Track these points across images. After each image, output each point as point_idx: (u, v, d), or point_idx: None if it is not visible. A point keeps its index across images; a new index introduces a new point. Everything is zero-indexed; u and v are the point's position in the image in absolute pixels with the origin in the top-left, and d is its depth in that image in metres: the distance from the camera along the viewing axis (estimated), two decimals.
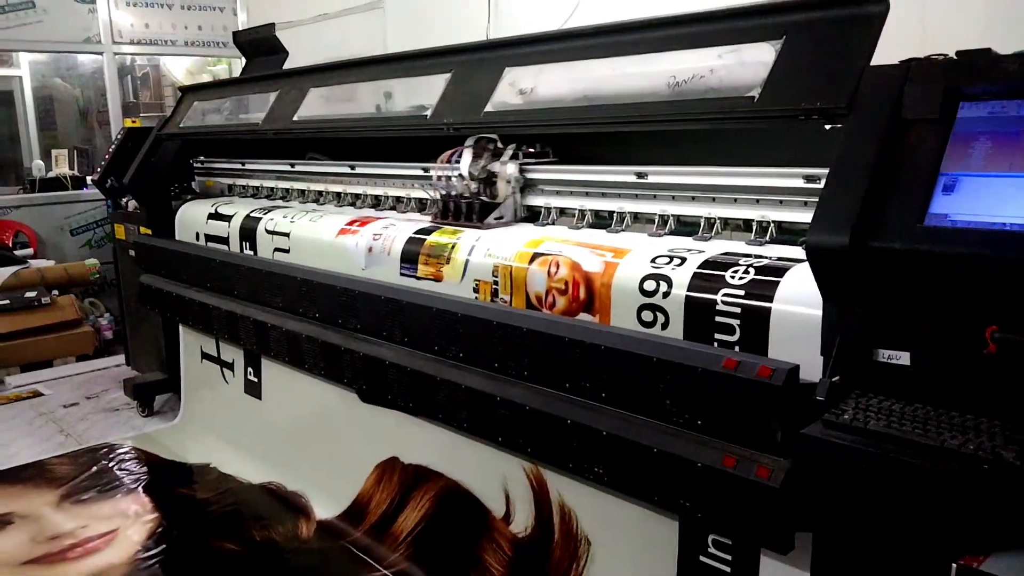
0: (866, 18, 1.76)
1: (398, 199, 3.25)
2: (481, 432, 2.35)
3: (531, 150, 2.77)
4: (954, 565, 1.38)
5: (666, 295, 1.93)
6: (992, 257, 1.38)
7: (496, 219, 2.66)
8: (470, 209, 2.69)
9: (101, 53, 6.42)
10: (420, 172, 3.09)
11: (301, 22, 5.99)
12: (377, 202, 3.35)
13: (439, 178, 2.80)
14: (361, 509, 2.99)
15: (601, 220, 2.51)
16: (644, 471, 1.87)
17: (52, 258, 5.98)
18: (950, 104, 1.53)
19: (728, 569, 1.92)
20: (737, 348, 1.79)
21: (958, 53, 1.60)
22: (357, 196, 3.44)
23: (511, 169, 2.68)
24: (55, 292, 5.58)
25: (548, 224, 2.62)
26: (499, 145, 2.77)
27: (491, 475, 2.53)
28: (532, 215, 2.72)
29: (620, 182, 2.41)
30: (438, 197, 2.83)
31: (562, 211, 2.63)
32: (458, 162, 2.72)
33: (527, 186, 2.71)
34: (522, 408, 2.16)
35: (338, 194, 3.54)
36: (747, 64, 1.96)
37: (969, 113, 1.52)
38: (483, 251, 2.43)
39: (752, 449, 1.70)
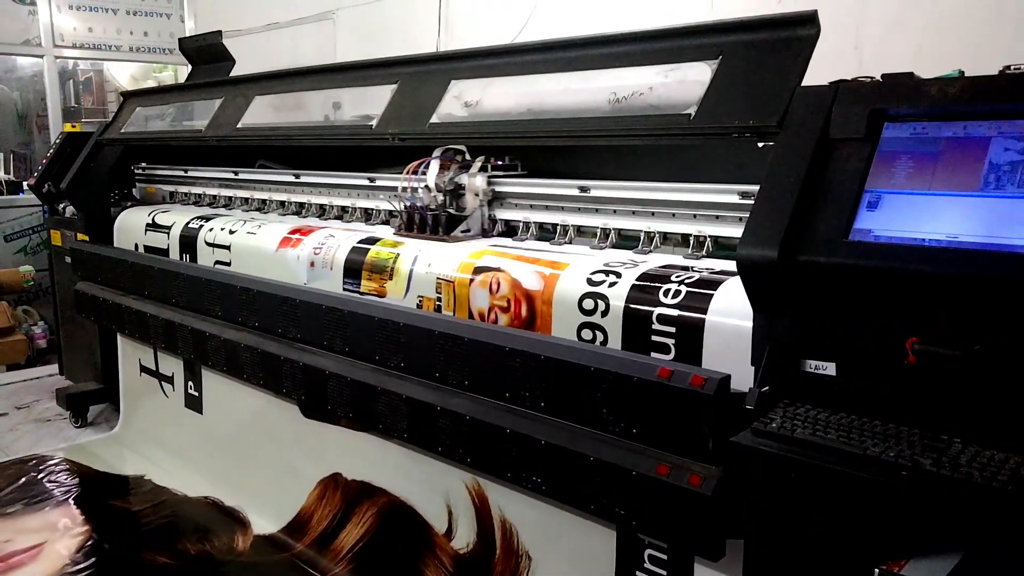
0: (798, 40, 1.82)
1: (344, 209, 3.23)
2: (421, 442, 2.35)
3: (499, 163, 2.74)
4: (876, 570, 1.42)
5: (604, 313, 1.96)
6: (912, 271, 1.44)
7: (463, 232, 2.61)
8: (436, 221, 2.64)
9: (41, 56, 6.26)
10: (366, 182, 3.09)
11: (250, 30, 5.94)
12: (322, 211, 3.33)
13: (404, 189, 2.73)
14: (302, 524, 2.95)
15: (545, 233, 2.54)
16: (581, 480, 1.89)
17: None
18: (875, 124, 1.60)
19: (664, 572, 1.94)
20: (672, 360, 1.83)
21: (883, 76, 1.67)
22: (302, 205, 3.42)
23: (480, 182, 2.64)
24: None
25: (497, 236, 2.64)
26: (467, 157, 2.73)
27: (433, 491, 2.53)
28: (510, 230, 2.67)
29: (564, 195, 2.45)
30: (402, 208, 2.76)
31: (507, 223, 2.65)
32: (424, 173, 2.68)
33: (495, 199, 2.68)
34: (463, 418, 2.16)
35: (282, 202, 3.52)
36: (685, 82, 2.01)
37: (893, 133, 1.59)
38: (425, 265, 2.43)
39: (685, 457, 1.73)
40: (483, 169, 2.67)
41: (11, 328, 5.39)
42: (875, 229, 1.52)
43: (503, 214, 2.67)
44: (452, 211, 2.65)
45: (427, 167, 2.68)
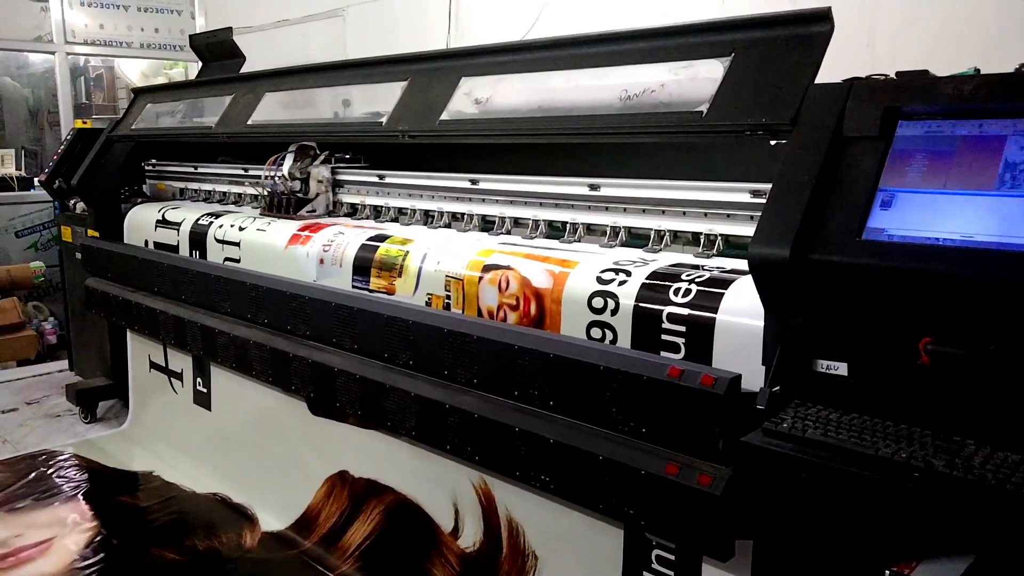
0: (811, 38, 1.81)
1: (353, 205, 3.24)
2: (430, 440, 2.34)
3: (346, 156, 3.31)
4: (887, 572, 1.40)
5: (614, 312, 1.95)
6: (926, 271, 1.43)
7: (308, 211, 3.21)
8: (288, 203, 3.21)
9: (53, 52, 6.28)
10: (375, 179, 3.09)
11: (261, 27, 5.95)
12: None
13: (266, 177, 3.28)
14: (310, 521, 2.95)
15: (555, 231, 2.53)
16: (590, 479, 1.88)
17: None
18: (889, 122, 1.58)
19: (672, 572, 1.93)
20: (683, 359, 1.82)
21: (898, 74, 1.66)
22: None
23: (324, 171, 3.21)
24: None
25: (502, 233, 2.63)
26: (316, 151, 3.26)
27: (440, 490, 2.52)
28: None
29: (573, 194, 2.44)
30: (265, 193, 3.35)
31: (516, 221, 2.65)
32: (282, 164, 3.20)
33: (339, 186, 3.26)
34: (471, 416, 2.16)
35: None
36: (697, 80, 1.99)
37: (907, 132, 1.57)
38: (434, 263, 2.42)
39: (695, 457, 1.72)
40: (326, 161, 3.23)
41: (21, 324, 5.41)
42: (888, 228, 1.50)
43: (348, 199, 3.23)
44: (300, 195, 3.21)
45: (283, 159, 3.23)
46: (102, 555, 2.90)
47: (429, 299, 2.43)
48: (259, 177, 3.39)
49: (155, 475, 3.57)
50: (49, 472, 3.61)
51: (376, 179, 3.11)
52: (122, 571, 2.84)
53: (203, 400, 3.55)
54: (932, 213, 1.47)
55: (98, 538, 3.02)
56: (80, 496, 3.38)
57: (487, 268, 2.27)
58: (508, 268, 2.22)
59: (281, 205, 3.22)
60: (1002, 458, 1.32)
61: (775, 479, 1.50)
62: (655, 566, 1.96)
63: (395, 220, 3.04)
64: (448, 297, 2.37)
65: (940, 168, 1.51)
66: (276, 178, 3.23)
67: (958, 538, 1.37)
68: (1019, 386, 1.37)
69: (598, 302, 1.98)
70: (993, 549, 1.31)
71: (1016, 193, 1.41)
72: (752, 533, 1.67)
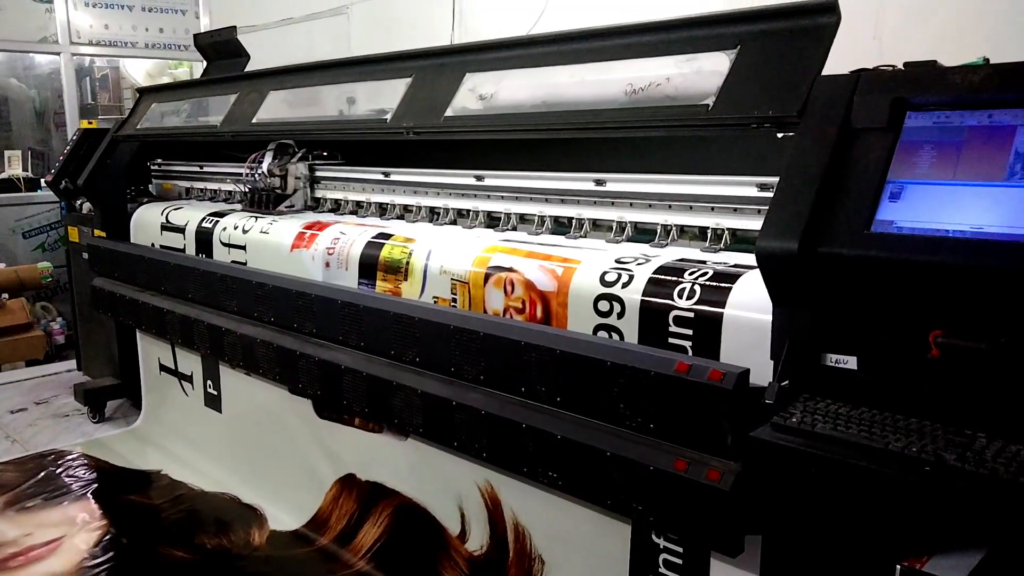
0: (818, 29, 1.79)
1: (358, 203, 3.23)
2: (437, 437, 2.34)
3: (323, 153, 3.41)
4: (898, 567, 1.39)
5: (620, 315, 1.94)
6: (935, 263, 1.42)
7: (287, 207, 3.33)
8: (267, 199, 3.33)
9: (58, 53, 6.30)
10: (380, 176, 3.08)
11: (265, 26, 5.94)
12: (337, 205, 3.33)
13: (247, 174, 3.42)
14: (321, 523, 2.96)
15: (560, 227, 2.52)
16: (598, 475, 1.87)
17: (3, 261, 5.83)
18: (897, 114, 1.57)
19: None
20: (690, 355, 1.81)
21: (906, 64, 1.64)
22: (317, 199, 3.42)
23: (302, 168, 3.35)
24: (5, 296, 5.44)
25: (508, 230, 2.62)
26: (295, 149, 3.38)
27: (446, 493, 2.52)
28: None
29: (579, 189, 2.42)
30: (246, 189, 3.47)
31: (522, 217, 2.64)
32: (261, 161, 3.35)
33: (316, 182, 3.39)
34: (478, 413, 2.15)
35: None
36: (703, 73, 1.98)
37: (915, 123, 1.56)
38: (439, 266, 2.41)
39: (703, 452, 1.71)
40: (304, 159, 3.36)
41: (29, 324, 5.43)
42: (897, 220, 1.49)
43: (326, 194, 3.36)
44: (279, 191, 3.32)
45: (263, 157, 3.37)
46: (111, 554, 2.91)
47: (435, 302, 2.42)
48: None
49: (164, 474, 3.58)
50: (58, 471, 3.62)
51: (381, 176, 3.10)
52: (131, 570, 2.84)
53: (214, 403, 3.56)
54: (941, 205, 1.46)
55: (107, 537, 3.03)
56: (89, 495, 3.39)
57: (492, 270, 2.26)
58: (512, 271, 2.21)
59: (261, 201, 3.36)
60: (1014, 452, 1.31)
61: (784, 474, 1.49)
62: (662, 570, 1.96)
63: (401, 217, 3.03)
64: (454, 300, 2.36)
65: (949, 159, 1.49)
66: (256, 175, 3.38)
67: (970, 533, 1.36)
68: None
69: (604, 305, 1.97)
70: (1004, 549, 1.30)
71: None
72: (761, 528, 1.67)
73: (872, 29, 2.93)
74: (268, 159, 3.35)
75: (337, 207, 3.33)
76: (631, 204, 2.31)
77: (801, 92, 1.72)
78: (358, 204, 3.23)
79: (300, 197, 3.36)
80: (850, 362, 1.56)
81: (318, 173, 3.38)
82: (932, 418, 1.45)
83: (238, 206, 3.59)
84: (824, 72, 1.74)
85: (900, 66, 1.65)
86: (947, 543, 1.37)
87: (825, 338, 1.58)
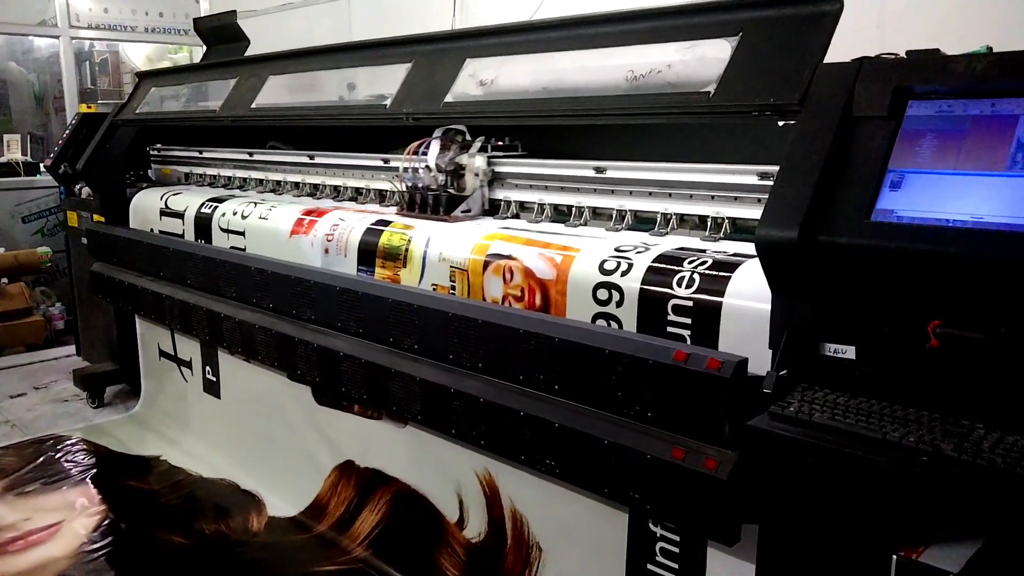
0: (820, 16, 1.78)
1: (358, 190, 3.22)
2: (435, 424, 2.34)
3: (500, 143, 2.73)
4: (894, 557, 1.40)
5: (619, 304, 1.93)
6: (935, 253, 1.41)
7: (463, 212, 2.62)
8: (436, 201, 2.65)
9: (57, 37, 6.27)
10: (380, 163, 3.07)
11: (265, 11, 5.92)
12: (336, 192, 3.32)
13: (405, 169, 2.73)
14: (320, 509, 2.97)
15: (560, 215, 2.51)
16: (595, 463, 1.87)
17: (2, 245, 5.82)
18: (899, 102, 1.56)
19: (676, 565, 1.93)
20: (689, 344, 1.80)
21: (908, 53, 1.63)
22: (316, 186, 3.41)
23: (479, 162, 2.65)
24: (4, 280, 5.44)
25: (509, 218, 2.61)
26: (467, 137, 2.73)
27: (445, 480, 2.53)
28: (493, 208, 2.71)
29: (579, 176, 2.41)
30: (404, 189, 2.77)
31: (522, 205, 2.63)
32: (425, 153, 2.68)
33: (494, 179, 2.68)
34: (476, 400, 2.15)
35: (296, 183, 3.51)
36: (704, 60, 1.97)
37: (917, 111, 1.55)
38: (438, 253, 2.41)
39: (701, 441, 1.70)
40: (483, 150, 2.67)
41: (29, 309, 5.44)
42: (898, 209, 1.48)
43: (503, 194, 2.67)
44: (452, 191, 2.66)
45: (427, 148, 2.68)
46: (110, 539, 2.92)
47: (434, 289, 2.42)
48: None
49: (163, 459, 3.59)
50: (57, 456, 3.63)
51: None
52: (130, 555, 2.85)
53: (213, 389, 3.56)
54: (942, 194, 1.45)
55: (106, 522, 3.04)
56: (88, 480, 3.40)
57: (491, 257, 2.26)
58: (511, 258, 2.20)
59: (426, 203, 2.68)
60: (1012, 442, 1.30)
61: (781, 463, 1.49)
62: (659, 558, 1.96)
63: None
64: (453, 288, 2.36)
65: (950, 148, 1.48)
66: (420, 170, 2.70)
67: (967, 523, 1.36)
68: None
69: (603, 293, 1.97)
70: (1001, 539, 1.30)
71: None
72: (758, 517, 1.67)
73: (875, 17, 2.91)
74: (435, 149, 2.69)
75: (519, 212, 2.65)
76: (631, 192, 2.30)
77: (803, 80, 1.70)
78: (556, 209, 2.52)
79: (478, 199, 2.67)
80: (849, 352, 1.56)
81: (499, 168, 2.68)
82: (930, 408, 1.44)
83: (389, 208, 2.95)
84: (826, 60, 1.72)
85: (902, 54, 1.63)
86: (944, 533, 1.37)
87: (824, 327, 1.58)
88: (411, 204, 2.73)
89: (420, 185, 2.70)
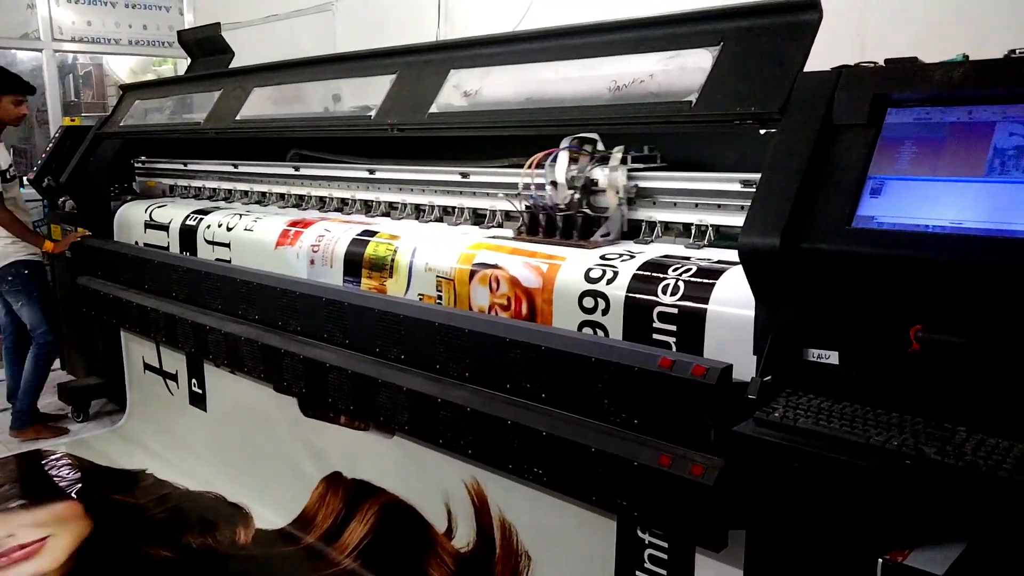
0: (800, 26, 1.80)
1: (343, 201, 3.22)
2: (422, 435, 2.34)
3: (638, 154, 2.33)
4: (880, 560, 1.41)
5: (605, 312, 1.94)
6: (916, 258, 1.42)
7: (603, 236, 2.24)
8: (569, 223, 2.27)
9: (40, 50, 6.24)
10: (365, 174, 3.07)
11: (250, 22, 5.91)
12: (322, 203, 3.31)
13: (527, 186, 2.35)
14: (308, 521, 2.95)
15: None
16: (583, 471, 1.88)
17: None
18: (878, 110, 1.58)
19: (664, 571, 1.94)
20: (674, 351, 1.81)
21: (886, 61, 1.65)
22: (301, 197, 3.41)
23: (620, 176, 2.23)
24: None
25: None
26: (599, 147, 2.35)
27: (433, 491, 2.52)
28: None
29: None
30: (523, 209, 2.40)
31: (507, 215, 2.63)
32: (553, 165, 2.30)
33: (639, 196, 2.26)
34: (463, 410, 2.15)
35: (282, 195, 3.50)
36: (686, 69, 1.98)
37: (896, 119, 1.57)
38: (423, 263, 2.41)
39: (687, 447, 1.71)
40: (623, 161, 2.26)
41: None
42: (878, 216, 1.50)
43: (645, 214, 2.26)
44: (587, 211, 2.27)
45: (554, 160, 2.28)
46: (96, 554, 2.89)
47: (421, 299, 2.42)
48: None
49: (149, 473, 3.56)
50: (42, 471, 3.60)
51: (410, 174, 2.87)
52: (116, 570, 2.83)
53: (199, 401, 3.54)
54: (922, 200, 1.47)
55: (92, 537, 3.01)
56: (74, 495, 3.37)
57: (477, 267, 2.26)
58: (497, 267, 2.20)
59: (553, 225, 2.30)
60: (993, 444, 1.32)
61: (767, 469, 1.50)
62: (648, 565, 1.96)
63: (386, 215, 3.02)
64: (440, 298, 2.36)
65: (929, 155, 1.50)
66: (545, 187, 2.31)
67: (950, 525, 1.37)
68: (1010, 372, 1.37)
69: (588, 301, 1.98)
70: (984, 541, 1.32)
71: (1005, 179, 1.41)
72: (745, 523, 1.67)
73: (854, 26, 2.94)
74: (563, 163, 2.27)
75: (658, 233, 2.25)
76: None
77: (783, 88, 1.72)
78: (700, 230, 2.15)
79: (617, 220, 2.25)
80: (832, 357, 1.57)
81: (642, 184, 2.24)
82: (913, 412, 1.46)
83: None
84: (806, 69, 1.74)
85: (881, 63, 1.66)
86: (928, 536, 1.38)
87: (807, 333, 1.59)
88: (533, 226, 2.36)
89: (545, 204, 2.32)
